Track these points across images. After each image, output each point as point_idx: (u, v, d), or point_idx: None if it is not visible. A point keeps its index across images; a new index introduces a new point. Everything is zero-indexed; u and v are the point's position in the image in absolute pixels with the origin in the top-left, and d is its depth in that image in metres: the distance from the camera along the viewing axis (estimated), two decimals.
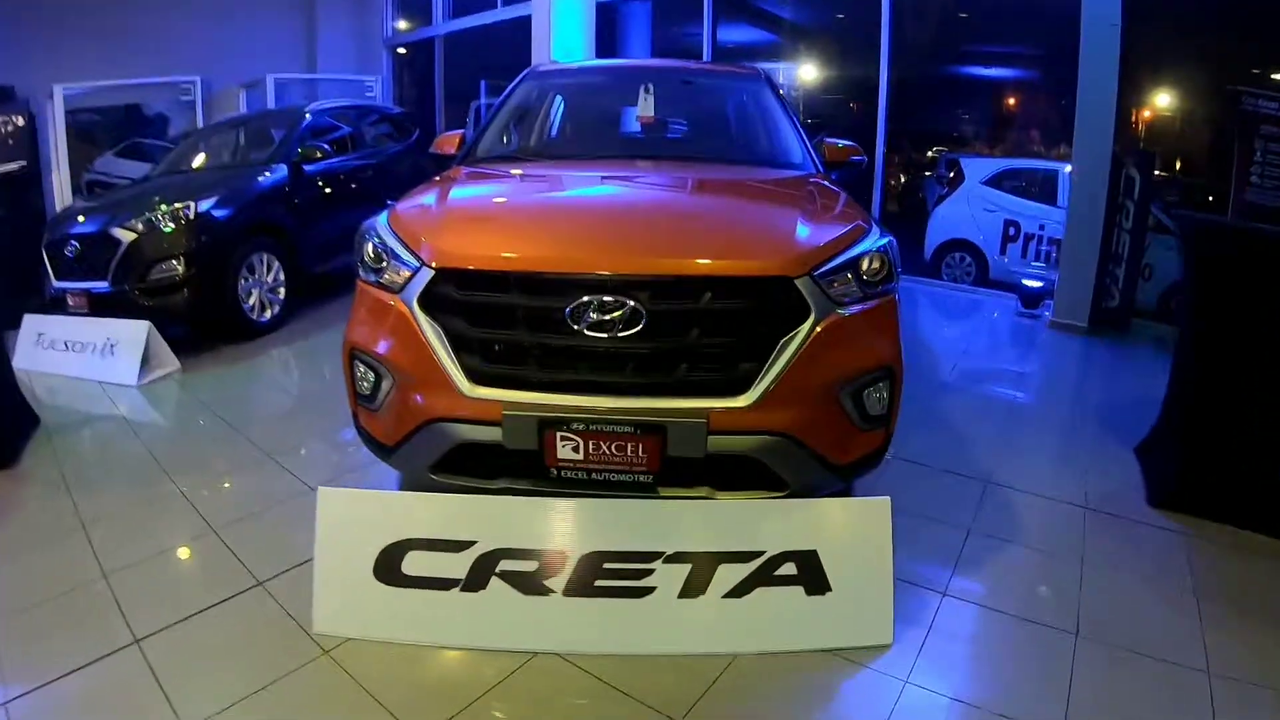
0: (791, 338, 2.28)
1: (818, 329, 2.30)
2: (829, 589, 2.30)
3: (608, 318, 2.22)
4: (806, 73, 11.40)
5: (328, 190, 6.31)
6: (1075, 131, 6.25)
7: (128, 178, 7.37)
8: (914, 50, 8.06)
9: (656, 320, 2.24)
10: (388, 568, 2.24)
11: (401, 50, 12.23)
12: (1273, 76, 7.27)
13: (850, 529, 2.34)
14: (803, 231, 2.48)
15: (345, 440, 3.68)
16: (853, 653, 2.30)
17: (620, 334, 2.22)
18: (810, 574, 2.29)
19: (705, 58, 8.85)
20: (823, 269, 2.36)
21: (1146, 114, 8.57)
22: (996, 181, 8.60)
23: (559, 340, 2.27)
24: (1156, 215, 6.70)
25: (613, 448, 2.24)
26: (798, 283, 2.30)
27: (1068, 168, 7.59)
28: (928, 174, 11.61)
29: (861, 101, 10.55)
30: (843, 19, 12.14)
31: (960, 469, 3.62)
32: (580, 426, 2.23)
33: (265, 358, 5.20)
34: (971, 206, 8.59)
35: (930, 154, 12.11)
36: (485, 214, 2.88)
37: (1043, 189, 8.33)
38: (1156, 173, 6.46)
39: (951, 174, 9.33)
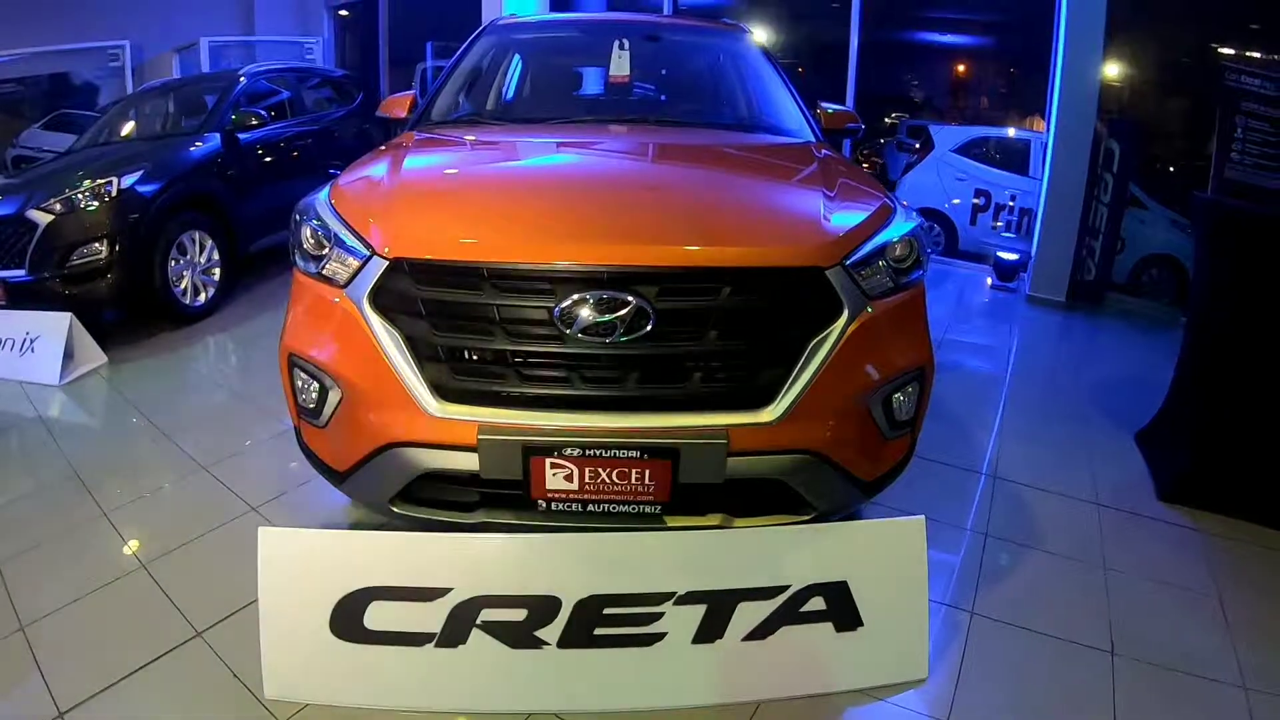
0: (823, 338, 1.95)
1: (851, 327, 1.97)
2: (860, 624, 2.02)
3: (607, 318, 1.84)
4: (759, 36, 11.08)
5: (266, 160, 5.82)
6: (1055, 102, 6.08)
7: (55, 151, 6.80)
8: (875, 13, 7.79)
9: (666, 320, 1.87)
10: (347, 621, 1.86)
11: (344, 12, 11.59)
12: (1249, 54, 7.18)
13: (882, 554, 2.05)
14: (829, 213, 2.14)
15: (290, 447, 3.28)
16: (886, 690, 2.05)
17: (622, 338, 1.85)
18: (840, 608, 2.00)
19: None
20: (854, 257, 2.02)
21: (1125, 86, 8.45)
22: (967, 150, 8.40)
23: (547, 347, 1.89)
24: (1134, 192, 6.61)
25: (614, 475, 1.88)
26: (829, 274, 1.96)
27: (1041, 135, 7.45)
28: (884, 141, 11.43)
29: (812, 65, 10.31)
30: None
31: (964, 463, 3.45)
32: (575, 452, 1.86)
33: (200, 347, 4.72)
34: (941, 175, 8.41)
35: (889, 120, 11.90)
36: (450, 190, 2.41)
37: (1014, 158, 8.16)
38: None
39: (919, 142, 9.13)
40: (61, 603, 2.34)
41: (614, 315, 1.84)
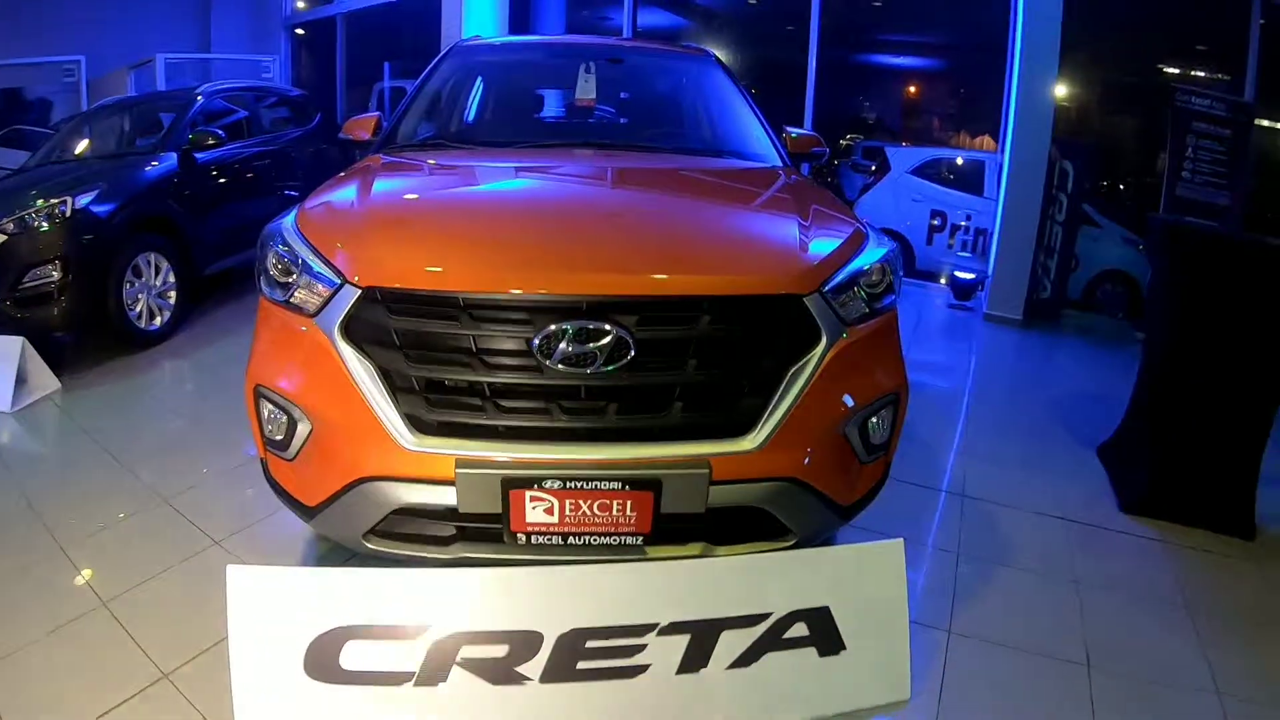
0: (802, 366, 1.95)
1: (829, 354, 1.98)
2: (843, 647, 2.00)
3: (586, 349, 1.82)
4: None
5: (223, 180, 5.71)
6: (1011, 124, 6.22)
7: (6, 169, 6.57)
8: (831, 37, 7.95)
9: (645, 350, 1.85)
10: (322, 662, 1.79)
11: (300, 30, 11.45)
12: (1199, 75, 7.45)
13: (863, 578, 2.04)
14: (805, 239, 2.14)
15: (251, 476, 3.19)
16: (870, 712, 2.05)
17: (602, 368, 1.83)
18: (823, 633, 1.99)
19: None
20: (831, 284, 2.03)
21: (1078, 107, 8.71)
22: (923, 171, 8.57)
23: (525, 378, 1.86)
24: (1087, 210, 6.79)
25: (595, 507, 1.85)
26: (807, 301, 1.96)
27: (995, 156, 7.62)
28: (837, 162, 11.60)
29: (768, 87, 10.45)
30: (755, 4, 12.02)
31: (931, 482, 3.50)
32: (555, 485, 1.83)
33: (156, 372, 4.58)
34: (897, 196, 8.57)
35: (844, 142, 12.08)
36: (424, 217, 2.35)
37: (969, 179, 8.34)
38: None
39: (875, 164, 9.29)
40: (18, 645, 2.22)
41: (594, 345, 1.82)
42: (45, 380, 4.14)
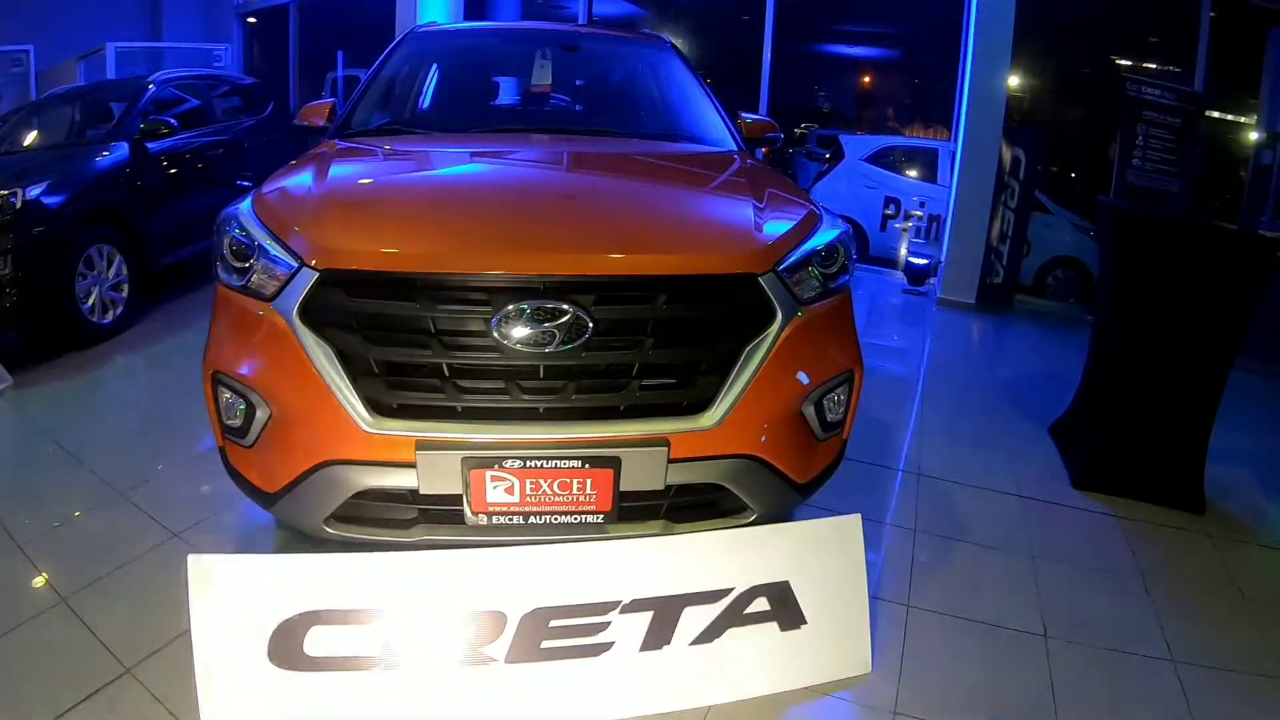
0: (758, 344, 1.98)
1: (784, 333, 2.01)
2: (804, 622, 2.05)
3: (545, 328, 1.83)
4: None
5: (175, 171, 5.57)
6: (964, 113, 6.32)
7: None
8: (786, 26, 8.01)
9: (603, 329, 1.87)
10: (286, 649, 1.79)
11: (252, 19, 11.22)
12: (1150, 65, 7.63)
13: (822, 553, 2.09)
14: (760, 220, 2.17)
15: (209, 469, 3.14)
16: (832, 686, 2.09)
17: (562, 347, 1.85)
18: (784, 608, 2.03)
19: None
20: (786, 263, 2.06)
21: (1030, 96, 8.86)
22: (877, 159, 8.67)
23: (484, 358, 1.86)
24: (1039, 197, 6.92)
25: (556, 486, 1.86)
26: (762, 280, 1.99)
27: (947, 144, 7.75)
28: (792, 150, 11.69)
29: (724, 75, 10.49)
30: None
31: (888, 461, 3.57)
32: (516, 464, 1.84)
33: (110, 367, 4.48)
34: (852, 183, 8.67)
35: (799, 130, 12.17)
36: (381, 200, 2.35)
37: (923, 166, 8.46)
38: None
39: (829, 152, 9.39)
40: None
41: (552, 325, 1.83)
42: None
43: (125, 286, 4.92)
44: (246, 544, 2.73)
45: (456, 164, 2.73)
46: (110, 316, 4.79)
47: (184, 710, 1.90)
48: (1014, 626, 2.44)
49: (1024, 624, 2.45)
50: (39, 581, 2.48)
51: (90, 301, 4.64)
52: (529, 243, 1.96)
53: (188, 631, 1.86)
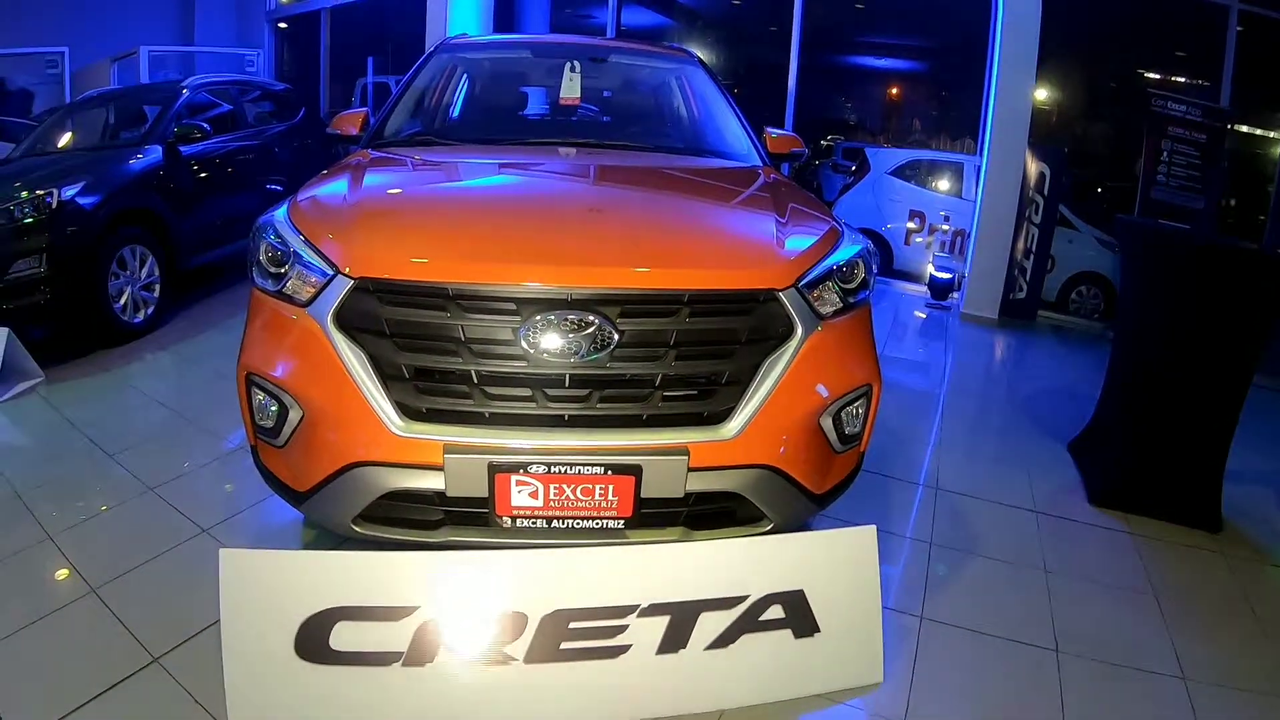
0: (777, 357, 2.03)
1: (804, 347, 2.05)
2: (817, 630, 2.08)
3: (572, 339, 1.89)
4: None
5: (208, 174, 5.70)
6: (989, 127, 6.32)
7: None
8: (812, 38, 8.04)
9: (629, 341, 1.93)
10: (313, 643, 1.84)
11: (283, 24, 11.39)
12: (1176, 80, 7.58)
13: (836, 562, 2.12)
14: (782, 236, 2.22)
15: (238, 466, 3.23)
16: (844, 694, 2.12)
17: (588, 357, 1.90)
18: (798, 615, 2.06)
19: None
20: (806, 278, 2.11)
21: (1055, 111, 8.83)
22: (902, 172, 8.67)
23: (512, 367, 1.92)
24: (1063, 212, 6.89)
25: (578, 492, 1.92)
26: (783, 295, 2.04)
27: (973, 158, 7.74)
28: (818, 163, 11.67)
29: (749, 88, 10.52)
30: (738, 4, 12.08)
31: (906, 475, 3.57)
32: (540, 469, 1.89)
33: (140, 364, 4.58)
34: (878, 196, 8.65)
35: (824, 142, 12.17)
36: (414, 210, 2.42)
37: (947, 180, 8.45)
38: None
39: (855, 164, 9.39)
40: (7, 631, 2.24)
41: (578, 335, 1.89)
42: (30, 370, 4.14)
43: (156, 287, 5.04)
44: (273, 541, 2.79)
45: (487, 176, 2.79)
46: (141, 316, 4.91)
47: (211, 700, 1.96)
48: (1026, 640, 2.45)
49: (1036, 638, 2.46)
50: (68, 572, 2.55)
51: (122, 300, 4.75)
52: (558, 256, 2.01)
53: (215, 624, 1.91)
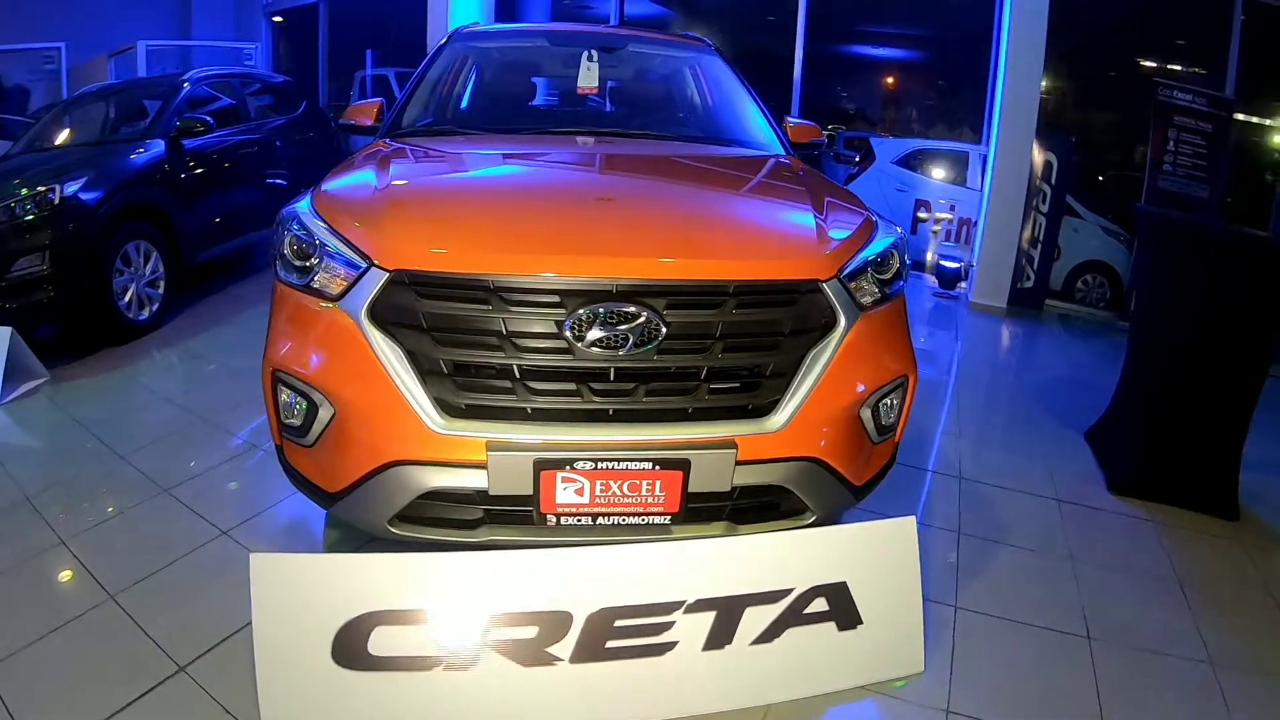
0: (821, 349, 2.00)
1: (846, 338, 2.03)
2: (860, 621, 2.06)
3: (617, 331, 1.85)
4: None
5: (209, 168, 5.63)
6: (997, 116, 6.29)
7: None
8: (815, 27, 8.00)
9: (674, 333, 1.89)
10: (350, 649, 1.80)
11: (278, 18, 11.27)
12: (1182, 70, 7.57)
13: (878, 554, 2.10)
14: (823, 226, 2.19)
15: (254, 465, 3.18)
16: (887, 685, 2.11)
17: (634, 350, 1.86)
18: (841, 608, 2.04)
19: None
20: (847, 269, 2.08)
21: (1061, 100, 8.81)
22: (907, 162, 8.64)
23: (556, 360, 1.88)
24: (1070, 202, 6.88)
25: (625, 488, 1.88)
26: (826, 286, 2.01)
27: (978, 147, 7.72)
28: (818, 152, 11.60)
29: (752, 77, 10.45)
30: None
31: (930, 464, 3.56)
32: (587, 466, 1.85)
33: (147, 362, 4.52)
34: (883, 186, 8.62)
35: (827, 131, 12.12)
36: (448, 200, 2.35)
37: (953, 170, 8.43)
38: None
39: (860, 154, 9.35)
40: (24, 641, 2.16)
41: (624, 328, 1.85)
42: (35, 370, 4.08)
43: (161, 283, 4.98)
44: (296, 542, 2.73)
45: (517, 165, 2.74)
46: (146, 312, 4.85)
47: (242, 709, 1.90)
48: (1059, 628, 2.45)
49: (1068, 626, 2.47)
50: (84, 578, 2.46)
51: (127, 297, 4.69)
52: (602, 246, 1.97)
53: (240, 630, 1.85)
